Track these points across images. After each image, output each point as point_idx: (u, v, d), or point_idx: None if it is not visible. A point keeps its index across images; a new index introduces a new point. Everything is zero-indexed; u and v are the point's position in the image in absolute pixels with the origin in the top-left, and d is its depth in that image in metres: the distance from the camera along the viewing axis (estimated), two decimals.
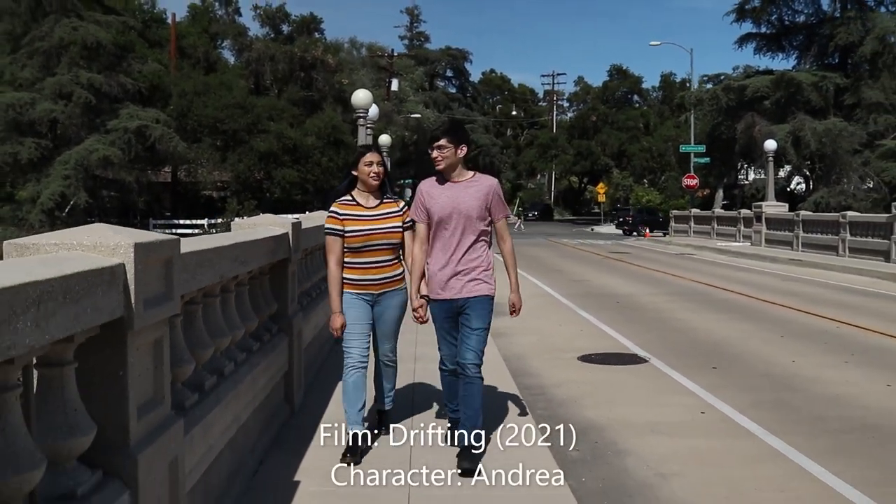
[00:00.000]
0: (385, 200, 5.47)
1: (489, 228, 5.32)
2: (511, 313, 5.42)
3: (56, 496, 2.57)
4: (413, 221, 5.40)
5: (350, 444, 5.12)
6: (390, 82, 63.84)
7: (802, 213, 29.19)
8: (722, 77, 46.58)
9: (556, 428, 5.48)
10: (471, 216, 5.19)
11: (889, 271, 20.02)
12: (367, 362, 5.37)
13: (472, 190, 5.23)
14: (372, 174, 5.36)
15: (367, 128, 20.01)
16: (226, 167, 40.12)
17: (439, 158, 5.19)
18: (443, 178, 5.28)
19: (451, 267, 5.20)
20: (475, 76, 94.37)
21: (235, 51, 49.75)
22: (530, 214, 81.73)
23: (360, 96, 19.02)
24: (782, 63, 52.55)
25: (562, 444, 5.22)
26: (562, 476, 4.74)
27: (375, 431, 5.54)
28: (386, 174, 5.49)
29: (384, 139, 35.61)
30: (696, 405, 7.37)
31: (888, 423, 6.72)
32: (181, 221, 39.64)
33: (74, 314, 2.29)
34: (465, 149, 5.24)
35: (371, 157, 5.41)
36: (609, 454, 5.97)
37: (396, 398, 5.85)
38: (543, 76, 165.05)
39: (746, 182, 51.71)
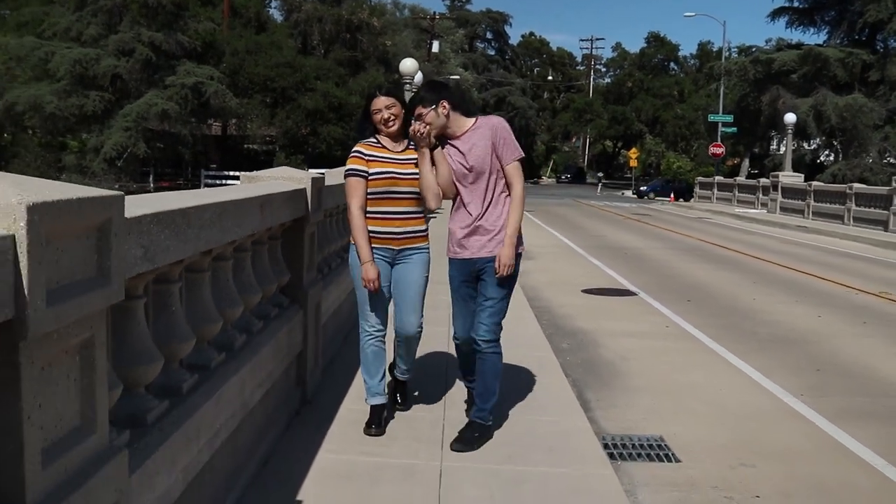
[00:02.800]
0: (411, 146, 4.86)
1: None
2: (495, 273, 4.66)
3: (274, 303, 4.80)
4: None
5: (373, 415, 4.91)
6: (431, 44, 65.66)
7: (815, 183, 31.07)
8: (754, 49, 48.06)
9: (551, 331, 7.82)
10: (484, 168, 4.63)
11: (884, 239, 21.97)
12: (385, 329, 4.92)
13: (478, 138, 4.67)
14: (382, 122, 4.81)
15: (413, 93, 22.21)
16: (275, 123, 42.53)
17: (425, 127, 4.67)
18: (443, 136, 4.76)
19: (470, 225, 4.67)
20: (514, 39, 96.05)
21: (284, 11, 51.82)
22: (563, 177, 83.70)
23: (408, 64, 21.25)
24: (813, 38, 53.72)
25: (556, 340, 7.57)
26: (556, 361, 7.06)
27: (396, 404, 5.34)
28: (407, 120, 4.82)
29: None
30: (664, 322, 9.69)
31: (801, 337, 8.98)
32: (230, 173, 42.23)
33: (287, 211, 4.47)
34: (445, 104, 4.67)
35: (378, 102, 4.81)
36: (589, 346, 8.31)
37: (417, 366, 5.49)
38: (582, 40, 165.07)
39: (779, 153, 53.33)
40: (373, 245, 4.75)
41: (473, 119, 4.75)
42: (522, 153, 4.75)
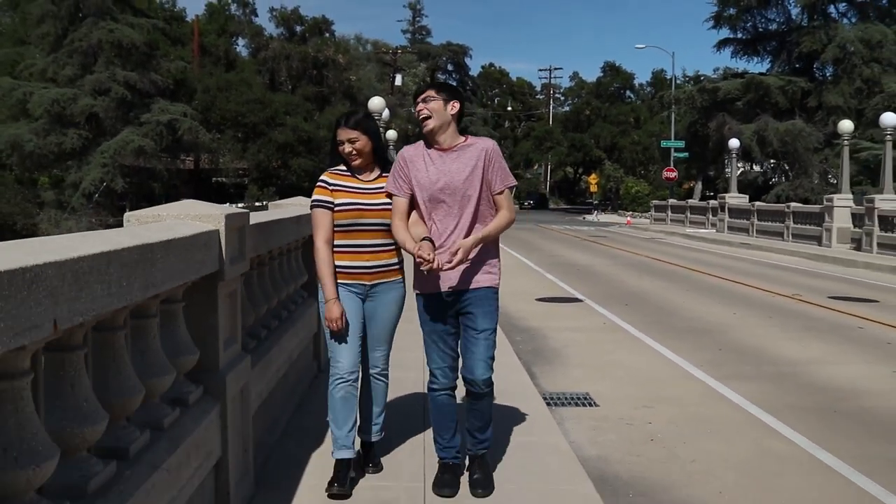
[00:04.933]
0: (384, 175, 4.55)
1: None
2: (449, 257, 4.11)
3: (171, 399, 3.28)
4: (389, 195, 4.41)
5: (338, 472, 4.41)
6: (394, 77, 67.89)
7: (758, 203, 33.38)
8: (702, 78, 50.76)
9: (508, 329, 9.59)
10: (466, 192, 4.22)
11: (816, 253, 24.10)
12: (358, 372, 4.51)
13: (467, 158, 4.26)
14: (346, 153, 4.51)
15: (382, 129, 24.08)
16: (246, 157, 44.26)
17: (425, 112, 4.25)
18: (429, 146, 4.33)
19: (446, 251, 4.16)
20: (475, 70, 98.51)
21: (252, 49, 53.72)
22: (526, 203, 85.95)
23: (376, 102, 23.18)
24: (757, 66, 56.52)
25: (511, 335, 9.34)
26: (510, 347, 8.85)
27: (367, 467, 4.73)
28: (375, 146, 4.54)
29: (391, 134, 39.64)
30: (602, 320, 11.57)
31: (713, 328, 10.90)
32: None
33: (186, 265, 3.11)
34: (457, 105, 4.31)
35: (341, 133, 4.50)
36: (538, 339, 10.14)
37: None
38: (541, 70, 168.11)
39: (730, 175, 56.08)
40: (343, 281, 4.43)
41: (465, 137, 4.36)
42: (514, 181, 4.40)
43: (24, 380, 2.09)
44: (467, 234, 4.22)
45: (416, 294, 4.46)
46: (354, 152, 4.50)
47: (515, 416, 5.94)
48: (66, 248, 2.19)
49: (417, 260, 4.11)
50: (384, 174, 4.58)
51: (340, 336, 4.42)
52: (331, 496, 4.30)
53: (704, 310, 12.54)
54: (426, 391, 4.63)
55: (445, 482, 4.40)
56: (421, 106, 4.29)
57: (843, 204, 26.07)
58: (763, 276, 17.63)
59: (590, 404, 7.08)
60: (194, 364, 3.53)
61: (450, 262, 4.08)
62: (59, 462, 2.19)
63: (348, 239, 4.47)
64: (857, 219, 25.33)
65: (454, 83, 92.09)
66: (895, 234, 22.81)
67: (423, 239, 4.20)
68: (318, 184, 4.55)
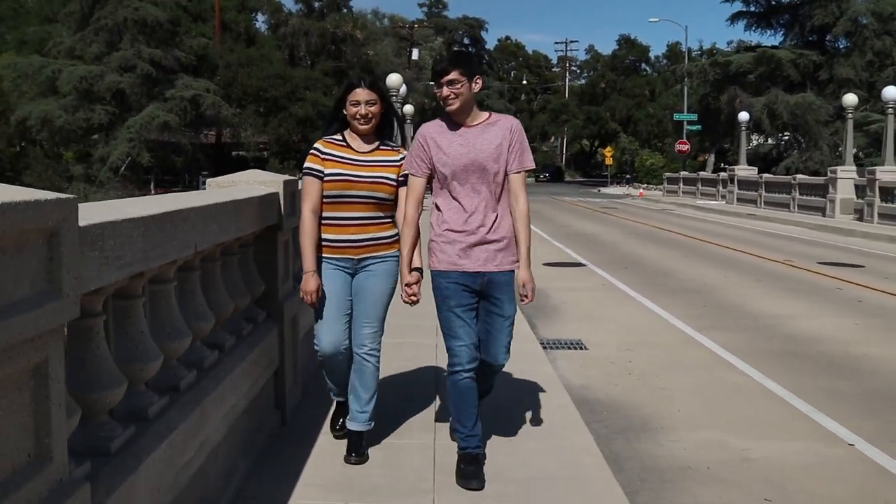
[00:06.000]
0: (382, 147, 4.41)
1: None
2: (521, 298, 4.32)
3: (245, 318, 4.38)
4: (406, 175, 4.32)
5: (337, 413, 4.71)
6: (411, 52, 68.67)
7: (765, 175, 34.20)
8: (715, 51, 51.28)
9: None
10: (494, 168, 4.14)
11: (820, 223, 24.98)
12: (344, 352, 4.38)
13: (492, 135, 4.17)
14: (358, 116, 4.28)
15: (400, 105, 25.09)
16: (267, 131, 45.37)
17: (451, 96, 4.10)
18: (452, 121, 4.22)
19: (476, 233, 4.13)
20: (491, 43, 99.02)
21: (271, 25, 54.60)
22: (542, 176, 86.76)
23: (393, 79, 24.11)
24: (770, 39, 56.86)
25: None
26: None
27: (350, 455, 4.40)
28: (386, 118, 4.43)
29: (407, 108, 40.56)
30: (601, 282, 12.65)
31: (703, 289, 11.95)
32: (210, 179, 44.95)
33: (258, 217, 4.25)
34: (479, 82, 4.20)
35: (360, 94, 4.29)
36: (541, 297, 11.16)
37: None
38: (557, 43, 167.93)
39: (748, 148, 56.83)
40: (329, 255, 4.28)
41: (487, 114, 4.27)
42: (533, 164, 4.30)
43: (171, 285, 3.24)
44: (491, 211, 4.16)
45: (435, 271, 4.21)
46: (370, 115, 4.30)
47: (514, 355, 7.02)
48: (195, 200, 3.33)
49: (404, 290, 4.23)
50: (382, 146, 4.42)
51: (320, 312, 4.28)
52: (335, 435, 4.64)
53: (698, 273, 13.58)
54: (447, 374, 4.35)
55: (470, 473, 4.15)
56: (447, 91, 4.09)
57: (846, 175, 26.89)
58: (761, 244, 18.61)
59: (580, 348, 8.19)
60: (261, 293, 4.67)
61: (530, 299, 4.31)
62: (212, 328, 3.72)
63: (335, 211, 4.29)
64: (860, 190, 26.16)
65: None
66: (895, 205, 23.65)
67: (414, 269, 4.26)
68: (311, 151, 4.39)
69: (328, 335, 4.32)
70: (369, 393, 4.42)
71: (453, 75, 4.10)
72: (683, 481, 4.79)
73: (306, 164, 4.34)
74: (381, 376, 4.55)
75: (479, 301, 4.27)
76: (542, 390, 5.95)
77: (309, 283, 4.21)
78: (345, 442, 4.50)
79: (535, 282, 4.31)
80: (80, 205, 2.12)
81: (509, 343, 4.38)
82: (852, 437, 5.51)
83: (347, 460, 4.37)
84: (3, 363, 1.81)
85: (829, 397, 6.45)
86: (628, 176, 67.49)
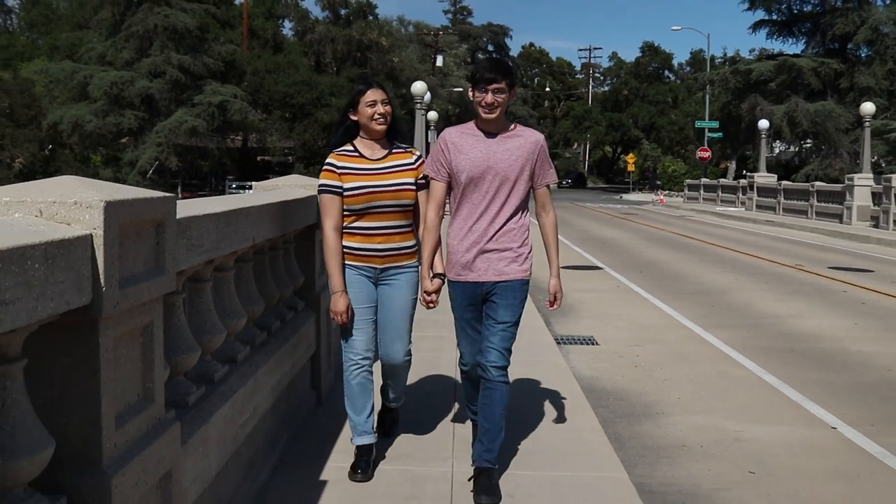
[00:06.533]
0: (395, 151, 4.41)
1: (529, 195, 4.33)
2: (550, 305, 4.39)
3: (288, 306, 5.40)
4: (427, 178, 4.36)
5: (359, 457, 4.39)
6: (435, 58, 69.27)
7: (784, 182, 34.50)
8: (737, 59, 51.56)
9: (532, 290, 11.27)
10: (509, 178, 4.16)
11: (836, 230, 25.31)
12: (372, 356, 4.41)
13: (514, 146, 4.20)
14: (377, 116, 4.29)
15: (423, 112, 25.70)
16: (293, 136, 46.19)
17: (495, 104, 4.12)
18: (476, 127, 4.25)
19: (478, 242, 4.18)
20: (515, 50, 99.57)
21: (298, 32, 55.49)
22: (564, 182, 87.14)
23: (418, 87, 24.74)
24: (792, 47, 56.88)
25: (533, 294, 11.00)
26: (532, 303, 10.47)
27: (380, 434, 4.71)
28: (395, 118, 4.42)
29: (431, 115, 41.16)
30: (616, 284, 13.17)
31: (712, 291, 12.43)
32: (252, 183, 45.97)
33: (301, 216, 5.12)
34: (514, 92, 4.25)
35: (374, 94, 4.32)
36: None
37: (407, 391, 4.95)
38: (580, 50, 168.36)
39: (769, 155, 57.06)
40: (353, 263, 4.29)
41: (513, 124, 4.30)
42: (556, 178, 4.39)
43: (230, 273, 3.82)
44: (500, 220, 4.17)
45: (447, 279, 4.35)
46: (387, 114, 4.33)
47: (529, 348, 7.59)
48: (253, 200, 3.95)
49: (427, 299, 4.33)
50: (395, 150, 4.41)
51: (350, 322, 4.30)
52: (353, 480, 4.30)
53: (709, 277, 14.06)
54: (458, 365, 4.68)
55: (483, 489, 4.13)
56: (491, 97, 4.09)
57: (863, 183, 27.21)
58: (775, 250, 19.03)
59: (592, 343, 8.73)
60: (301, 284, 5.25)
61: (557, 307, 4.42)
62: (262, 312, 4.34)
63: (360, 221, 4.27)
64: (876, 197, 26.46)
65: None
66: None
67: (436, 276, 4.33)
68: (325, 167, 4.31)
69: (362, 340, 4.33)
70: (401, 384, 4.74)
71: (500, 84, 4.12)
72: (678, 457, 5.32)
73: (323, 182, 4.28)
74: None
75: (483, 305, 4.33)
76: (554, 379, 6.49)
77: (339, 304, 4.22)
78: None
79: (563, 290, 4.41)
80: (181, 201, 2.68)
81: (506, 349, 4.26)
82: (836, 421, 6.02)
83: (353, 477, 4.34)
84: (126, 320, 2.38)
85: (820, 388, 6.94)
86: (659, 182, 67.61)
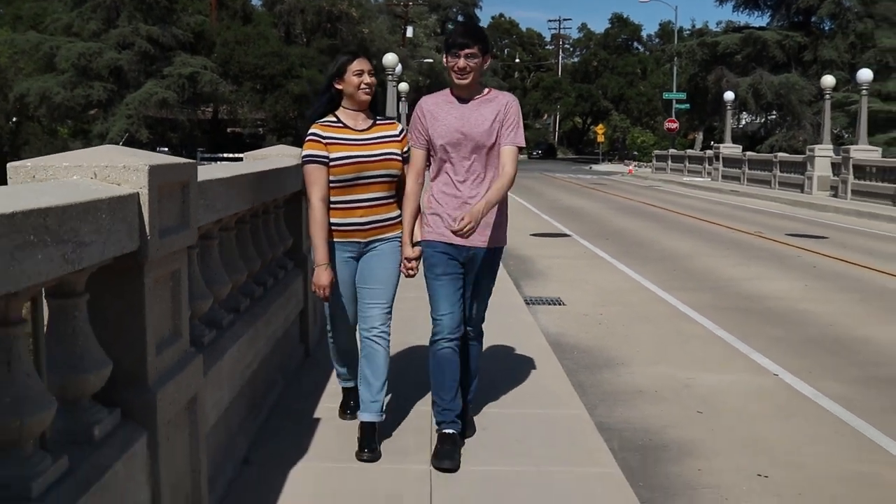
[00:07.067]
0: (379, 122, 4.37)
1: None
2: (454, 232, 3.94)
3: (279, 265, 8.55)
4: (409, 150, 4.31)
5: (346, 398, 4.67)
6: (405, 29, 69.26)
7: (748, 153, 35.26)
8: (704, 32, 52.21)
9: (504, 257, 11.81)
10: (484, 143, 4.16)
11: (797, 199, 26.04)
12: (355, 323, 4.42)
13: (488, 111, 4.20)
14: (363, 85, 4.24)
15: (395, 84, 26.00)
16: (264, 108, 46.22)
17: (468, 69, 4.10)
18: (451, 94, 4.26)
19: (463, 206, 4.12)
20: (485, 21, 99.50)
21: (267, 2, 55.20)
22: (534, 153, 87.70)
23: (389, 58, 25.08)
24: (758, 20, 57.68)
25: (505, 261, 11.51)
26: (503, 269, 10.98)
27: (363, 452, 4.18)
28: (376, 92, 4.41)
29: (402, 86, 41.41)
30: (583, 250, 13.73)
31: (674, 256, 13.03)
32: (224, 155, 46.02)
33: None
34: (489, 59, 4.22)
35: (361, 63, 4.25)
36: (527, 262, 12.29)
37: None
38: (550, 21, 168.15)
39: (736, 126, 57.97)
40: (337, 240, 4.20)
41: (487, 89, 4.29)
42: (523, 142, 4.24)
43: (232, 233, 4.28)
44: (482, 185, 4.17)
45: (424, 241, 4.27)
46: (373, 84, 4.31)
47: (500, 308, 8.08)
48: (251, 168, 4.43)
49: (404, 263, 4.31)
50: (378, 122, 4.37)
51: (334, 303, 4.26)
52: (343, 417, 4.62)
53: (672, 243, 14.66)
54: (429, 344, 4.37)
55: (445, 453, 4.14)
56: (463, 62, 4.08)
57: (823, 154, 28.00)
58: (737, 218, 19.70)
59: (559, 304, 9.27)
60: (289, 246, 5.72)
61: (463, 231, 3.89)
62: (258, 269, 4.79)
63: (345, 194, 4.19)
64: (836, 168, 27.24)
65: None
66: (867, 182, 24.74)
67: (416, 244, 4.30)
68: (309, 137, 4.22)
69: (343, 322, 4.36)
70: (380, 380, 4.25)
71: (473, 49, 4.10)
72: (634, 401, 5.87)
73: (308, 151, 4.18)
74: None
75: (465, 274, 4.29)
76: (522, 334, 7.02)
77: (322, 277, 4.11)
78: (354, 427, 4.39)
79: (479, 221, 3.95)
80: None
81: (485, 309, 4.52)
82: (779, 369, 6.61)
83: (360, 457, 4.15)
84: (162, 265, 2.83)
85: (767, 342, 7.53)
86: (636, 153, 68.28)
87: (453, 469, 4.08)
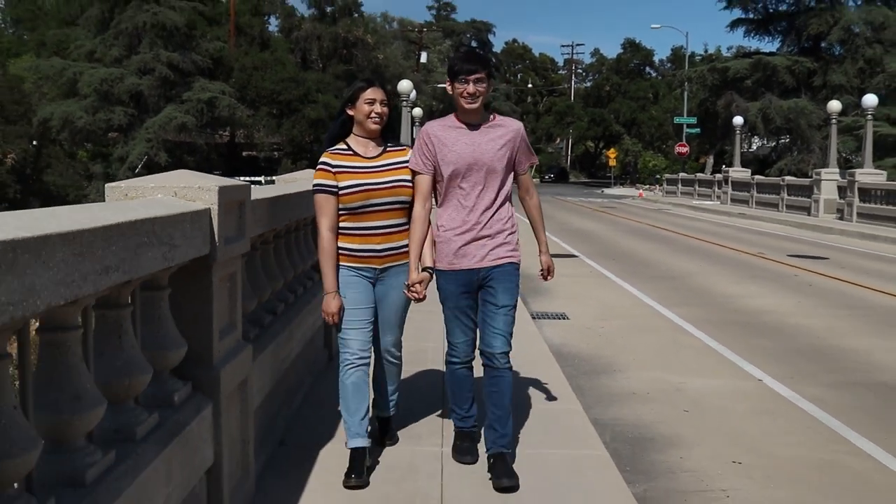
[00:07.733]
0: (389, 149, 4.44)
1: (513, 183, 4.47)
2: (545, 277, 4.76)
3: (307, 276, 9.34)
4: (414, 173, 4.35)
5: (353, 462, 4.27)
6: (419, 55, 70.34)
7: (757, 177, 35.85)
8: (714, 57, 52.96)
9: None
10: (495, 168, 4.27)
11: (804, 222, 26.58)
12: (369, 358, 4.42)
13: (496, 135, 4.31)
14: (373, 115, 4.32)
15: (409, 109, 26.75)
16: (280, 132, 47.19)
17: (477, 94, 4.23)
18: (458, 120, 4.35)
19: (471, 230, 4.26)
20: (498, 46, 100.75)
21: (284, 29, 56.38)
22: (547, 177, 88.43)
23: (405, 85, 25.82)
24: (769, 45, 58.36)
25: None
26: None
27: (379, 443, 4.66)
28: (391, 120, 4.51)
29: (416, 111, 42.22)
30: (589, 270, 14.34)
31: (677, 275, 13.60)
32: (242, 178, 46.97)
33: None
34: (492, 84, 4.40)
35: (373, 92, 4.33)
36: (535, 281, 12.80)
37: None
38: (563, 46, 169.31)
39: (749, 150, 58.59)
40: (352, 265, 4.30)
41: (492, 115, 4.42)
42: (536, 158, 4.53)
43: (271, 247, 4.93)
44: (490, 209, 4.28)
45: (437, 270, 4.36)
46: (384, 115, 4.38)
47: None
48: (285, 190, 5.07)
49: (411, 289, 4.27)
50: (389, 149, 4.43)
51: (350, 322, 4.30)
52: (348, 487, 4.17)
53: (676, 264, 15.24)
54: (446, 362, 4.61)
55: (465, 449, 4.53)
56: (473, 87, 4.19)
57: (829, 177, 28.55)
58: (742, 240, 20.27)
59: (563, 318, 9.88)
60: (316, 261, 6.32)
61: (551, 276, 4.82)
62: (292, 278, 5.37)
63: (358, 221, 4.27)
64: (842, 191, 27.77)
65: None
66: (873, 205, 25.25)
67: (424, 269, 4.33)
68: (319, 166, 4.33)
69: (359, 341, 4.32)
70: (394, 386, 4.69)
71: (482, 74, 4.23)
72: (627, 401, 6.47)
73: (318, 181, 4.28)
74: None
75: (479, 293, 4.37)
76: (527, 343, 7.61)
77: (330, 305, 4.23)
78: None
79: (552, 264, 4.83)
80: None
81: (509, 333, 4.39)
82: (763, 375, 7.19)
83: (347, 484, 4.21)
84: (225, 268, 3.49)
85: (755, 351, 8.11)
86: (658, 177, 68.71)
87: (473, 462, 4.48)
